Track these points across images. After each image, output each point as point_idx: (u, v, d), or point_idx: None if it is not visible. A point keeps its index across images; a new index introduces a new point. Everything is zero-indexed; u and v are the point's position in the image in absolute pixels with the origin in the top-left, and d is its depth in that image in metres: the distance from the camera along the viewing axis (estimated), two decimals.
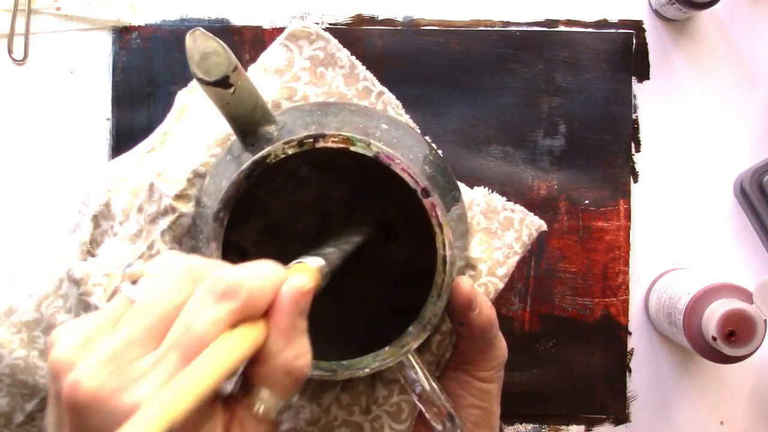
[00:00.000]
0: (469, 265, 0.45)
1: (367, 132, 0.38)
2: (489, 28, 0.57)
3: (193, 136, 0.45)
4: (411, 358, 0.38)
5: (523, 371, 0.57)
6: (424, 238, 0.38)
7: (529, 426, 0.57)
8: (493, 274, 0.45)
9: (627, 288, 0.57)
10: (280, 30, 0.56)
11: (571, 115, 0.57)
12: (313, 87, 0.44)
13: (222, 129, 0.43)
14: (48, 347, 0.28)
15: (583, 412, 0.57)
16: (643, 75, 0.58)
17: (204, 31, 0.34)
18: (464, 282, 0.40)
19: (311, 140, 0.36)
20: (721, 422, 0.57)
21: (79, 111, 0.57)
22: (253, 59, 0.56)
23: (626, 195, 0.57)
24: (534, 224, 0.47)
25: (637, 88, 0.58)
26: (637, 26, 0.58)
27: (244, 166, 0.36)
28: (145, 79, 0.56)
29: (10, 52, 0.56)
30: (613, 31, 0.57)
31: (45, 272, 0.46)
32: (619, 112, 0.57)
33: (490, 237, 0.46)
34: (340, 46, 0.46)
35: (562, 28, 0.57)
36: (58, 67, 0.57)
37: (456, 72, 0.57)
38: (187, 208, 0.42)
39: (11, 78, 0.56)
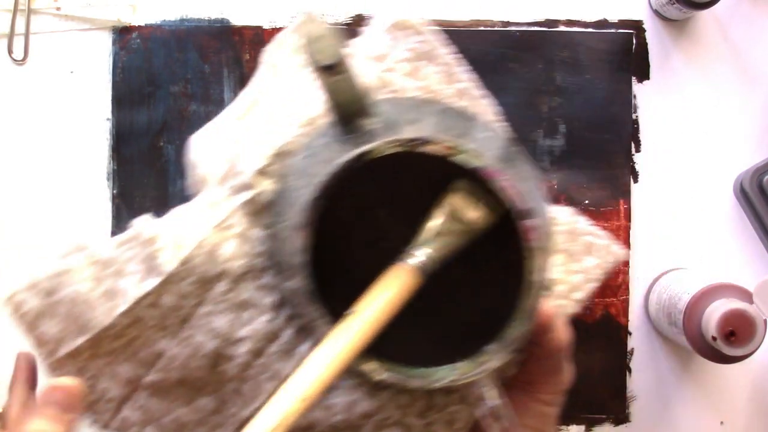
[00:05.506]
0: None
1: (466, 139, 0.37)
2: (489, 28, 0.57)
3: (281, 110, 0.44)
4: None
5: None
6: (513, 256, 0.37)
7: None
8: (568, 297, 0.44)
9: (627, 288, 0.57)
10: (281, 30, 0.56)
11: (571, 115, 0.57)
12: (410, 80, 0.43)
13: (312, 109, 0.42)
14: None
15: (583, 412, 0.57)
16: (643, 75, 0.58)
17: (317, 16, 0.35)
18: (546, 304, 0.39)
19: (417, 143, 0.35)
20: (721, 422, 0.57)
21: (79, 111, 0.57)
22: (254, 59, 0.56)
23: (626, 195, 0.57)
24: (616, 253, 0.46)
25: (637, 88, 0.58)
26: (637, 26, 0.58)
27: (348, 156, 0.35)
28: (145, 79, 0.56)
29: (10, 52, 0.56)
30: (613, 31, 0.57)
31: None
32: (619, 112, 0.57)
33: (569, 259, 0.45)
34: (443, 43, 0.44)
35: (562, 28, 0.57)
36: (58, 67, 0.57)
37: None
38: (267, 184, 0.41)
39: (11, 78, 0.56)
